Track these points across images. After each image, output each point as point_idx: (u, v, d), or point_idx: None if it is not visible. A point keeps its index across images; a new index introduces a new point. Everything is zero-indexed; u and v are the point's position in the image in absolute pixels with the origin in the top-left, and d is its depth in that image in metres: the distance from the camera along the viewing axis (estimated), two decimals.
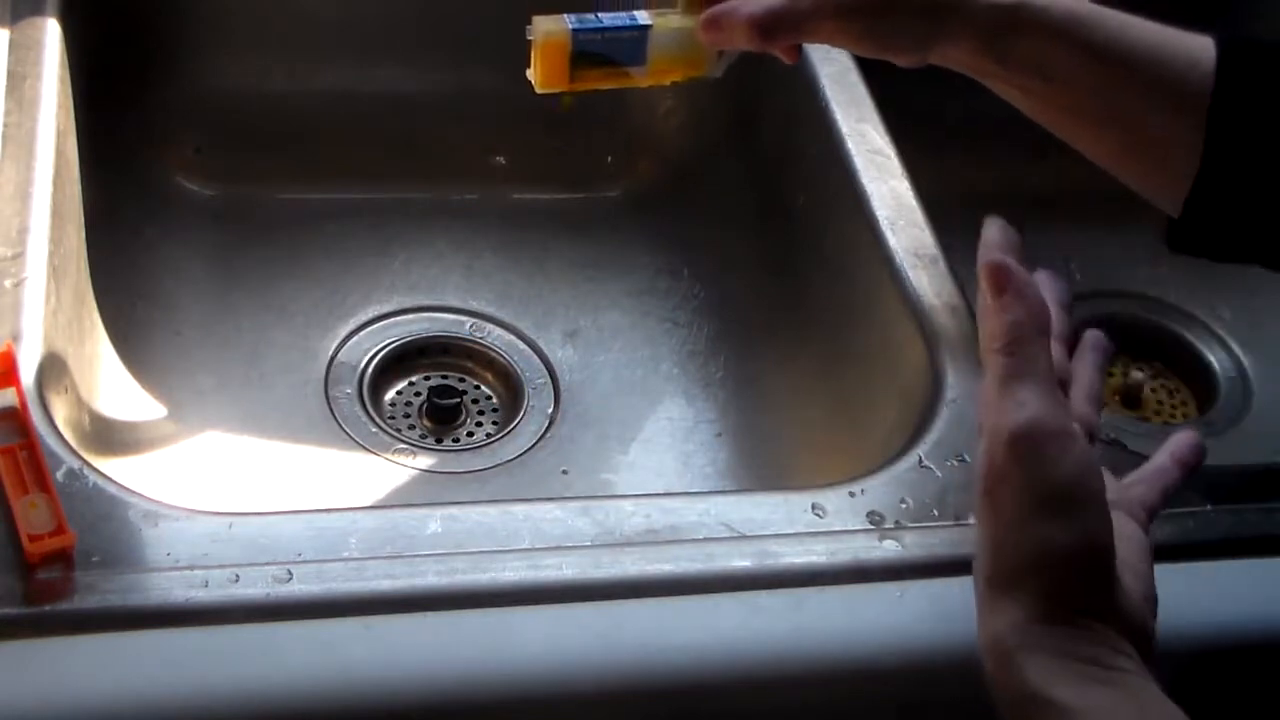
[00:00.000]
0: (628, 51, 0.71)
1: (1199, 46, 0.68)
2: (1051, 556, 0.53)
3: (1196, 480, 0.72)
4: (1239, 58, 0.68)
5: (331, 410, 0.89)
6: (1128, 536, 0.59)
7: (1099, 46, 0.69)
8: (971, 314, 0.80)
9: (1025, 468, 0.53)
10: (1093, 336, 0.69)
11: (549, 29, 0.67)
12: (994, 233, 0.60)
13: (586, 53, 0.70)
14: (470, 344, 0.95)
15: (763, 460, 0.90)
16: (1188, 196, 0.69)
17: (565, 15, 0.68)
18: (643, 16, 0.70)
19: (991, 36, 0.69)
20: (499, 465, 0.88)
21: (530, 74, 0.72)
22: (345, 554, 0.63)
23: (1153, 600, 0.57)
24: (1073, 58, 0.69)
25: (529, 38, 0.70)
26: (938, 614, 0.64)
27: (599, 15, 0.69)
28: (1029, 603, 0.53)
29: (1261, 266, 0.71)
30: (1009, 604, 0.53)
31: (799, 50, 0.74)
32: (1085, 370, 0.67)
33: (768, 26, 0.69)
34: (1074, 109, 0.71)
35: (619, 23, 0.69)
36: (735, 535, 0.66)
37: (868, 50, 0.72)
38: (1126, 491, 0.64)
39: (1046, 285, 0.65)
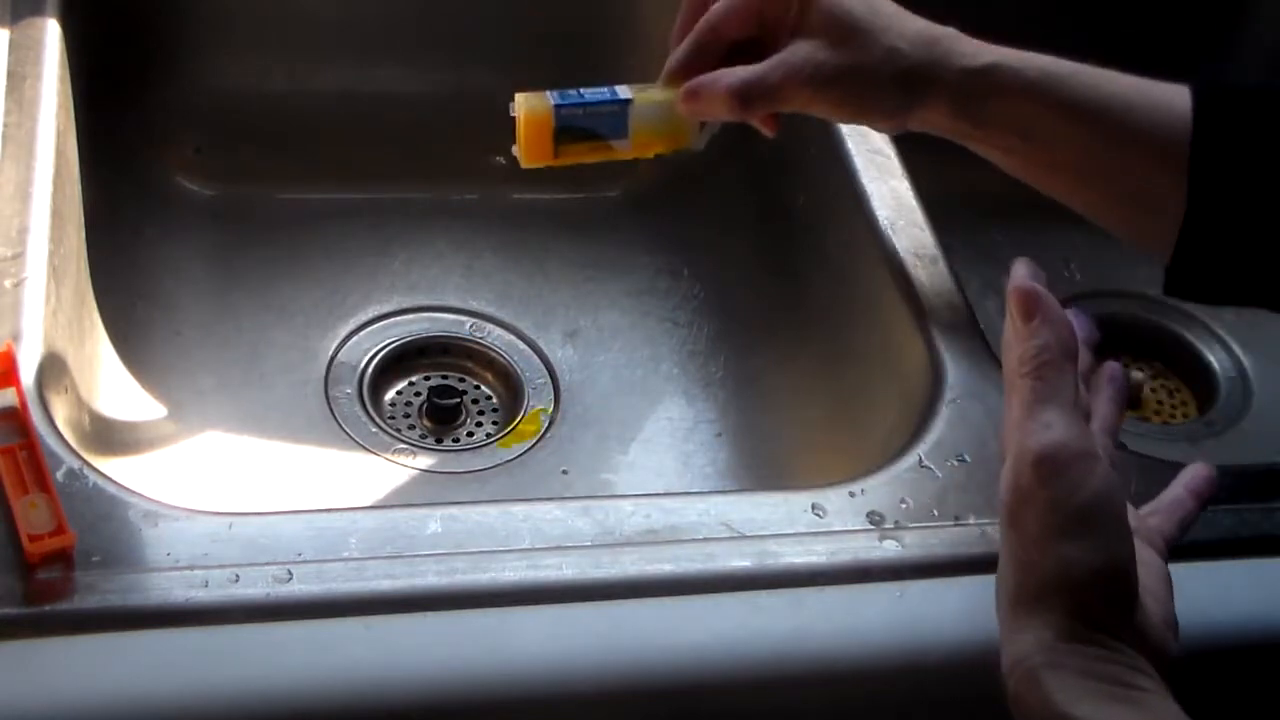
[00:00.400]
0: (609, 126, 0.72)
1: (1174, 95, 0.69)
2: (1075, 576, 0.53)
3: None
4: (1215, 104, 0.69)
5: (331, 410, 0.89)
6: (1147, 563, 0.59)
7: (1075, 103, 0.70)
8: (972, 314, 0.80)
9: (1050, 488, 0.53)
10: (1110, 369, 0.69)
11: (532, 106, 0.69)
12: (1023, 268, 0.60)
13: (569, 127, 0.72)
14: (470, 344, 0.95)
15: (763, 460, 0.90)
16: (1176, 245, 0.69)
17: (548, 92, 0.70)
18: (624, 91, 0.73)
19: (966, 101, 0.71)
20: (499, 465, 0.88)
21: (515, 149, 0.74)
22: (345, 554, 0.63)
23: (1173, 626, 0.58)
24: (1049, 115, 0.70)
25: (512, 114, 0.72)
26: (938, 614, 0.64)
27: (581, 91, 0.71)
28: (1053, 621, 0.53)
29: (1259, 308, 0.72)
30: (1034, 623, 0.54)
31: (778, 120, 0.75)
32: (1103, 404, 0.68)
33: (745, 96, 0.71)
34: (1054, 166, 0.72)
35: (600, 98, 0.71)
36: (735, 535, 0.66)
37: (845, 118, 0.74)
38: (1145, 521, 0.64)
39: (1074, 322, 0.66)
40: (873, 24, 0.70)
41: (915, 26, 0.71)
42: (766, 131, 0.76)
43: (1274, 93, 0.69)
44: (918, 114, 0.72)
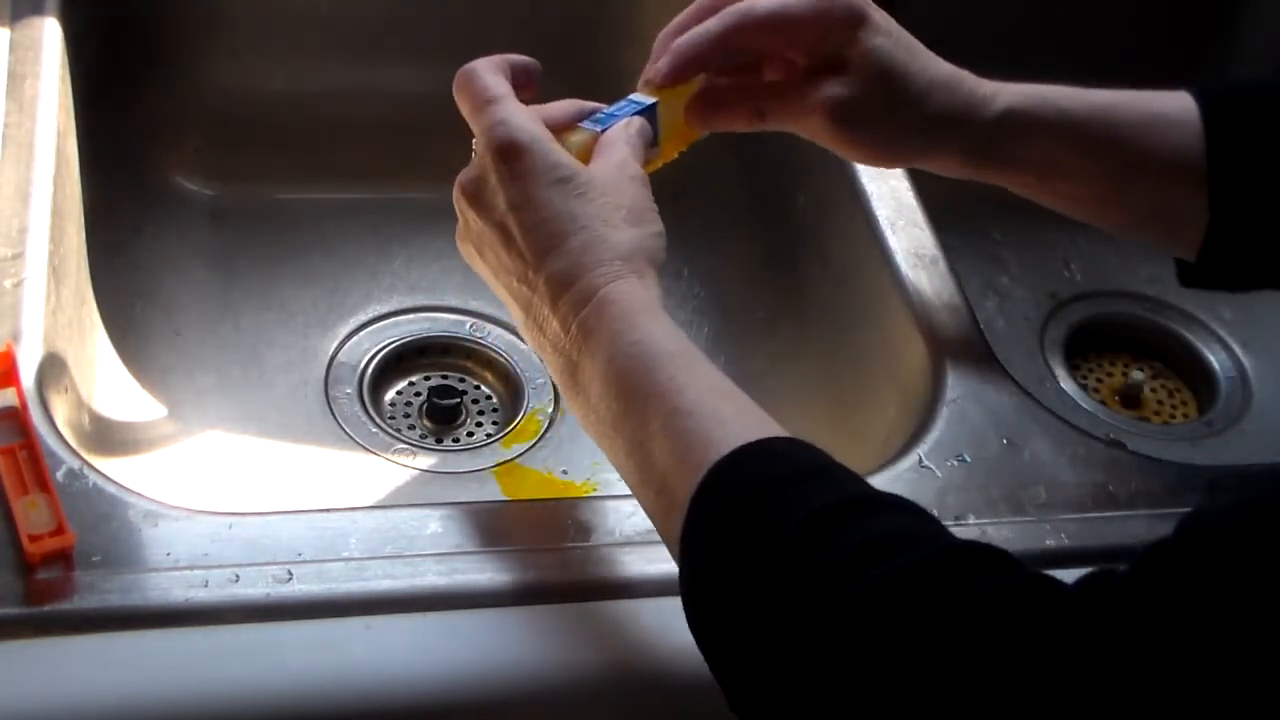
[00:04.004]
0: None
1: (1181, 108, 0.70)
2: None
3: (1196, 480, 0.73)
4: (1222, 112, 0.69)
5: (331, 410, 0.89)
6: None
7: (1090, 139, 0.70)
8: (972, 314, 0.80)
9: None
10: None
11: (578, 140, 0.66)
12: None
13: None
14: (470, 344, 0.95)
15: None
16: (1201, 249, 0.70)
17: (583, 123, 0.67)
18: (642, 97, 0.69)
19: (981, 149, 0.70)
20: (499, 465, 0.88)
21: None
22: (345, 554, 0.63)
23: None
24: (1065, 155, 0.70)
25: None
26: None
27: (608, 111, 0.68)
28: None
29: (1275, 290, 0.72)
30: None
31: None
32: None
33: (764, 112, 0.71)
34: (1074, 197, 0.73)
35: (631, 110, 0.68)
36: None
37: (855, 156, 0.73)
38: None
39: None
40: (906, 69, 0.68)
41: (942, 72, 0.70)
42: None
43: (1275, 92, 0.70)
44: (928, 159, 0.72)
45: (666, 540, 0.57)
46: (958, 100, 0.69)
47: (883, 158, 0.73)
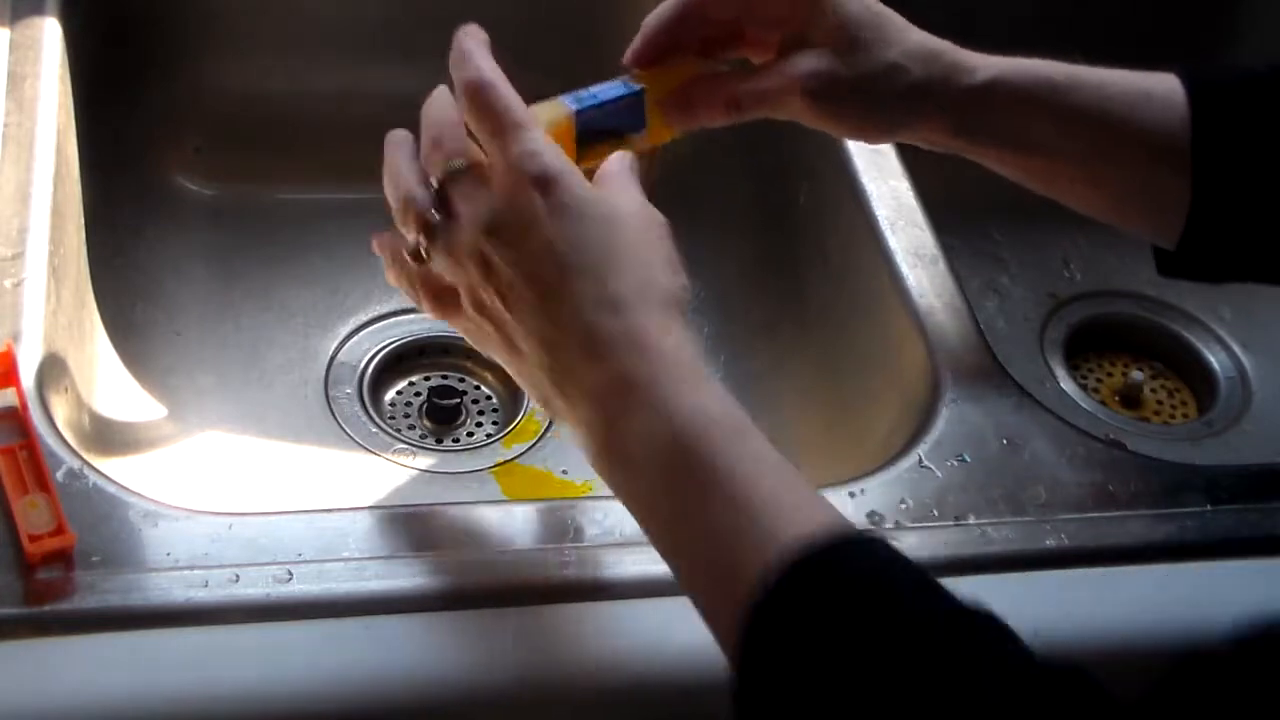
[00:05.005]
0: (628, 120, 0.69)
1: (1167, 90, 0.69)
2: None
3: (1196, 480, 0.73)
4: (1209, 96, 0.69)
5: (331, 410, 0.89)
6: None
7: (1074, 114, 0.69)
8: (972, 314, 0.80)
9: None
10: None
11: (552, 116, 0.65)
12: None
13: (591, 130, 0.68)
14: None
15: None
16: (1181, 235, 0.70)
17: (560, 98, 0.67)
18: (632, 82, 0.69)
19: (964, 118, 0.70)
20: (499, 465, 0.88)
21: None
22: (345, 554, 0.63)
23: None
24: (1048, 128, 0.69)
25: None
26: None
27: (591, 91, 0.68)
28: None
29: (1253, 283, 0.72)
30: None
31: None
32: None
33: (739, 103, 0.70)
34: (1054, 173, 0.72)
35: (615, 93, 0.68)
36: None
37: (839, 131, 0.72)
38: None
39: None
40: (878, 37, 0.68)
41: (917, 39, 0.69)
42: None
43: (1262, 78, 0.70)
44: (913, 129, 0.71)
45: (711, 619, 0.53)
46: (937, 70, 0.69)
47: (867, 131, 0.72)
